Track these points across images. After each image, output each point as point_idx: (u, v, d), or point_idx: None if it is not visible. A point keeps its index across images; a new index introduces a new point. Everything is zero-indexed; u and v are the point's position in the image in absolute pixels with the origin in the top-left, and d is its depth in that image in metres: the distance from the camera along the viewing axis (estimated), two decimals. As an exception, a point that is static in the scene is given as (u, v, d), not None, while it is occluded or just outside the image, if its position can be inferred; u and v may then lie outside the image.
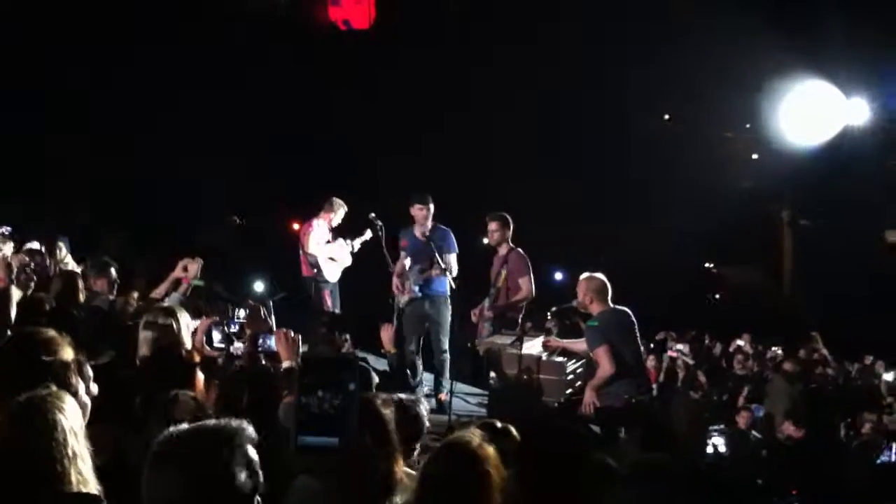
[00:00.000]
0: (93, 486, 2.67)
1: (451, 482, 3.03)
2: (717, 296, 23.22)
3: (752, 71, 16.46)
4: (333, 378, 2.32)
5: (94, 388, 3.28)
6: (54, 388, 2.82)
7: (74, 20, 13.73)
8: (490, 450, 3.08)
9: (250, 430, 2.31)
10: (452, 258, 8.68)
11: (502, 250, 8.52)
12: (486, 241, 8.93)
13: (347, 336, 7.11)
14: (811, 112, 17.02)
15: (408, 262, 8.74)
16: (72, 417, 2.73)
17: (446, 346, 8.66)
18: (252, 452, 2.26)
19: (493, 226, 8.53)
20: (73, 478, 2.63)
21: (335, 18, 13.62)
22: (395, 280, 8.85)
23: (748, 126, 19.29)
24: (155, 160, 16.39)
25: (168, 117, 15.69)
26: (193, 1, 15.15)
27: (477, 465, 3.02)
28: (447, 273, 8.49)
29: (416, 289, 8.66)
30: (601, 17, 16.01)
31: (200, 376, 4.13)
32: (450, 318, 8.69)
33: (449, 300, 8.70)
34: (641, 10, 15.85)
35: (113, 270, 6.91)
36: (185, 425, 2.31)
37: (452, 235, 8.76)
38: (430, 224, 8.70)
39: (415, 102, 16.69)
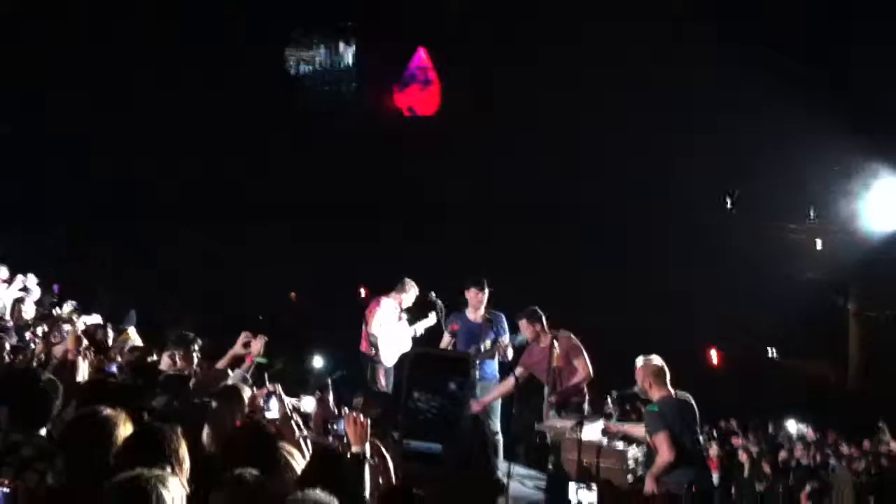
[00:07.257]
0: None
1: None
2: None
3: (817, 160, 16.41)
4: (432, 378, 2.25)
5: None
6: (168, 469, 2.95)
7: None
8: None
9: None
10: (507, 340, 8.69)
11: (543, 342, 8.36)
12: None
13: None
14: (877, 202, 16.89)
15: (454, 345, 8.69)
16: (177, 497, 2.83)
17: (497, 427, 8.63)
18: None
19: (521, 324, 8.44)
20: None
21: (400, 105, 14.02)
22: None
23: (813, 215, 19.12)
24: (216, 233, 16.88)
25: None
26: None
27: None
28: (505, 355, 8.51)
29: None
30: (665, 105, 16.16)
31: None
32: (500, 401, 8.66)
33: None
34: (708, 99, 15.97)
35: (195, 346, 6.85)
36: None
37: (505, 319, 8.79)
38: (483, 308, 8.78)
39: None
